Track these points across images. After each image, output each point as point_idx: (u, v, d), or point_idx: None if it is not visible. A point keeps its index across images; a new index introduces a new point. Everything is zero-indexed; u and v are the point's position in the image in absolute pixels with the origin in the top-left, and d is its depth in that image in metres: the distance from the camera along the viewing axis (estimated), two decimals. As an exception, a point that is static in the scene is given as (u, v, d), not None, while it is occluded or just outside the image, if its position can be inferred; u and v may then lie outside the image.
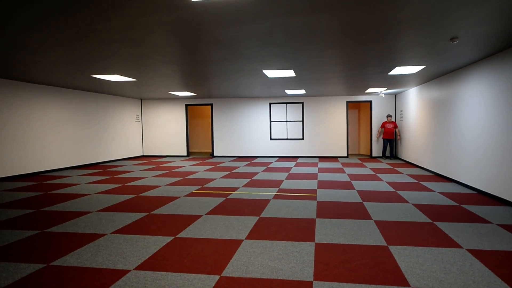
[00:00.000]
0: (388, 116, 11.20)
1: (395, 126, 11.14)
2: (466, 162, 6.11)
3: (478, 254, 3.03)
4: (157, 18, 3.37)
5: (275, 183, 6.69)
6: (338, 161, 10.67)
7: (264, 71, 6.50)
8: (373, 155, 11.82)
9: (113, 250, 3.20)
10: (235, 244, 3.32)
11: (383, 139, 11.30)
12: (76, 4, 2.97)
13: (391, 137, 11.16)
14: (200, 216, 4.35)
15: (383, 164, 9.74)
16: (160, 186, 6.54)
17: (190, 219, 4.22)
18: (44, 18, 3.32)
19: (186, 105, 12.66)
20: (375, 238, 3.45)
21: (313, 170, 8.68)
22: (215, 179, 7.32)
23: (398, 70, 6.51)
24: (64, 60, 5.34)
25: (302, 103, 12.11)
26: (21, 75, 6.88)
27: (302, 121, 12.16)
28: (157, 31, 3.80)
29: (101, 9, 3.10)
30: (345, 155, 11.94)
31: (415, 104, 9.32)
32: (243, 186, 6.39)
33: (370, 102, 11.74)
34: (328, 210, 4.59)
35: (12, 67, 5.94)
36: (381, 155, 11.72)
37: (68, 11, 3.13)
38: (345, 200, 5.15)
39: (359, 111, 13.57)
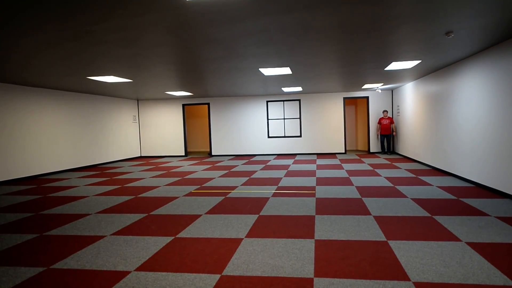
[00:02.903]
0: (384, 111, 11.24)
1: (391, 122, 11.18)
2: (463, 156, 6.13)
3: (477, 247, 3.04)
4: (152, 18, 3.35)
5: (274, 181, 6.70)
6: (336, 158, 10.69)
7: (260, 69, 6.50)
8: (371, 151, 11.85)
9: (113, 251, 3.19)
10: (235, 242, 3.33)
11: (380, 135, 11.34)
12: (70, 5, 2.95)
13: (388, 133, 11.20)
14: (199, 215, 4.35)
15: (381, 160, 9.77)
16: (159, 186, 6.53)
17: (189, 218, 4.22)
18: (36, 20, 3.30)
19: (183, 105, 12.63)
20: (375, 234, 3.46)
21: (311, 167, 8.69)
22: (214, 178, 7.32)
23: (394, 66, 6.52)
24: (59, 62, 5.31)
25: (299, 100, 12.11)
26: (16, 78, 6.84)
27: (300, 118, 12.16)
28: (152, 31, 3.78)
29: (95, 10, 3.08)
30: (343, 151, 11.96)
31: (411, 99, 9.35)
32: (242, 185, 6.39)
33: (367, 98, 11.76)
34: (327, 206, 4.60)
35: (5, 70, 5.90)
36: (380, 151, 11.76)
37: (61, 12, 3.11)
38: (344, 196, 5.16)
39: (356, 107, 13.59)
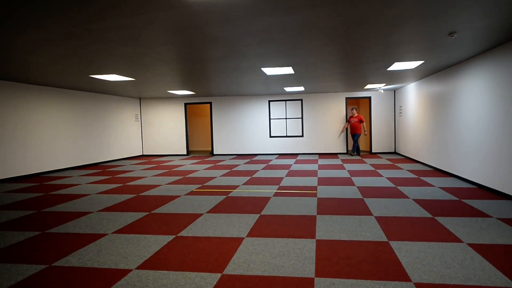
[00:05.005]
0: (352, 109, 11.11)
1: (361, 120, 10.93)
2: (465, 157, 6.11)
3: (479, 248, 3.03)
4: (153, 17, 3.36)
5: (275, 181, 6.70)
6: (338, 158, 10.67)
7: (262, 68, 6.49)
8: (372, 151, 11.83)
9: (115, 250, 3.20)
10: (236, 242, 3.33)
11: (351, 134, 11.22)
12: (70, 3, 2.96)
13: (356, 132, 11.01)
14: (201, 214, 4.36)
15: (383, 160, 9.75)
16: (160, 185, 6.54)
17: (191, 217, 4.23)
18: (35, 16, 3.30)
19: (185, 104, 12.64)
20: (376, 234, 3.46)
21: (313, 167, 8.69)
22: (215, 177, 7.33)
23: (397, 66, 6.50)
24: (61, 60, 5.32)
25: (301, 100, 12.10)
26: (18, 76, 6.86)
27: (302, 118, 12.15)
28: (154, 29, 3.78)
29: (96, 8, 3.09)
30: (345, 151, 11.94)
31: (414, 100, 9.32)
32: (243, 184, 6.40)
33: (369, 98, 11.73)
34: (329, 206, 4.60)
35: (7, 68, 5.92)
36: (348, 151, 11.32)
37: (60, 9, 3.12)
38: (345, 197, 5.15)
39: (358, 107, 13.57)
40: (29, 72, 6.35)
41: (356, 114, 11.04)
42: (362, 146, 13.26)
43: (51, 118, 8.67)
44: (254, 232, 3.62)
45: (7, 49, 4.53)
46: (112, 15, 3.26)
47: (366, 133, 11.05)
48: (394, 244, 3.16)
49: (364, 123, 11.00)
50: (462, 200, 4.82)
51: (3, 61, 5.34)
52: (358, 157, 10.71)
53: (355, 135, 11.13)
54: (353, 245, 3.16)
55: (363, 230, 3.59)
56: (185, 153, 12.79)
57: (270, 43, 4.51)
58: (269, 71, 6.78)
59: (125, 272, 2.71)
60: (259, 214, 4.29)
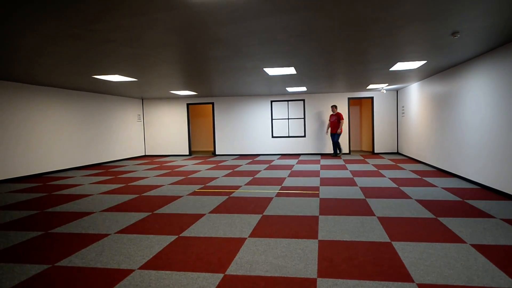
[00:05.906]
0: (332, 106, 10.82)
1: (339, 118, 10.64)
2: (468, 157, 6.09)
3: (482, 249, 3.02)
4: (156, 17, 3.36)
5: (278, 181, 6.69)
6: (340, 158, 10.65)
7: (264, 69, 6.49)
8: (375, 152, 11.81)
9: (117, 250, 3.21)
10: (238, 242, 3.33)
11: (331, 134, 11.02)
12: (73, 4, 2.97)
13: (333, 131, 10.79)
14: (203, 214, 4.36)
15: (386, 160, 9.73)
16: (162, 185, 6.55)
17: (193, 218, 4.23)
18: (38, 16, 3.32)
19: (188, 104, 12.67)
20: (379, 235, 3.45)
21: (315, 167, 8.68)
22: (218, 177, 7.33)
23: (399, 66, 6.48)
24: (64, 61, 5.34)
25: (303, 100, 12.09)
26: (22, 77, 6.90)
27: (304, 118, 12.14)
28: (157, 30, 3.79)
29: (99, 9, 3.10)
30: (347, 151, 11.92)
31: (416, 100, 9.29)
32: (245, 184, 6.40)
33: (372, 98, 11.71)
34: (331, 207, 4.59)
35: (12, 69, 5.95)
36: (336, 153, 11.16)
37: (64, 11, 3.13)
38: (347, 197, 5.14)
39: (360, 107, 13.55)
40: (33, 73, 6.38)
41: (336, 112, 10.76)
42: (365, 146, 13.23)
43: (54, 118, 8.71)
44: (257, 232, 3.62)
45: (12, 50, 4.56)
46: (115, 16, 3.27)
47: (340, 131, 10.71)
48: (396, 245, 3.15)
49: (342, 121, 10.65)
50: (465, 200, 4.80)
51: (8, 62, 5.37)
52: (337, 157, 10.63)
53: (333, 135, 10.91)
54: (356, 246, 3.15)
55: (365, 230, 3.59)
56: (188, 153, 12.81)
57: (272, 43, 4.51)
58: (271, 71, 6.78)
59: (127, 272, 2.72)
60: (261, 215, 4.29)
